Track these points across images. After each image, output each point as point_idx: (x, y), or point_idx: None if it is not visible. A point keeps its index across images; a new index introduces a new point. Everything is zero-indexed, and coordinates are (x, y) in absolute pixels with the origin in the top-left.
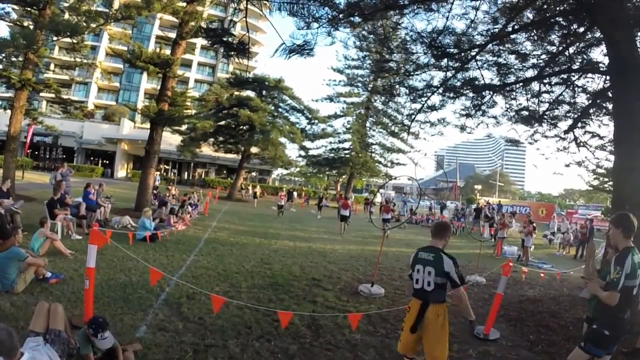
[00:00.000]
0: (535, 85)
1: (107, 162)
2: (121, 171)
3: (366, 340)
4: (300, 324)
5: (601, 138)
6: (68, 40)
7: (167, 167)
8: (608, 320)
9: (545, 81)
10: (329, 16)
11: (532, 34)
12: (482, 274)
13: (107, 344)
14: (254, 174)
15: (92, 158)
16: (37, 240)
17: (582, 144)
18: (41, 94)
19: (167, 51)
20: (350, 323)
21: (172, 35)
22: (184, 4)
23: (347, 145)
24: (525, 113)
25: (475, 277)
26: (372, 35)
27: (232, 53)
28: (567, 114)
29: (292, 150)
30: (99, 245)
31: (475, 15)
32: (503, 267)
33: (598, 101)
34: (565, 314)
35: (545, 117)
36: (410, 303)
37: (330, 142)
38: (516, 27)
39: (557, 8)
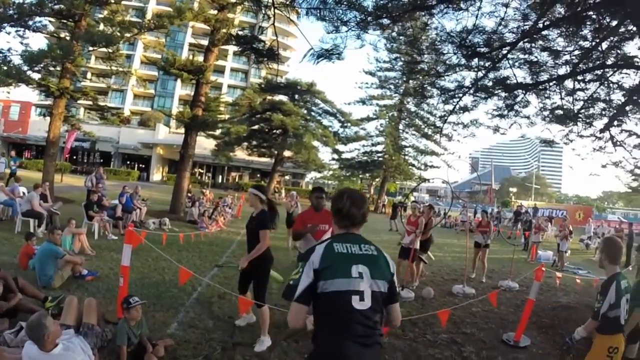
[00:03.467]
0: (569, 83)
1: (143, 166)
2: (156, 175)
3: (394, 344)
4: None
5: (639, 137)
6: (104, 50)
7: (201, 170)
8: None
9: (579, 78)
10: (358, 19)
11: (564, 29)
12: (515, 279)
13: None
14: (287, 177)
15: (128, 162)
16: (66, 238)
17: (618, 143)
18: (79, 102)
19: (200, 58)
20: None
21: (205, 42)
22: (215, 12)
23: (380, 148)
24: (559, 112)
25: (508, 283)
26: (401, 37)
27: (262, 59)
28: (603, 112)
29: (325, 154)
30: (134, 245)
31: (505, 13)
32: (535, 271)
33: (634, 98)
34: None
35: (580, 115)
36: (617, 341)
37: (363, 145)
38: (547, 23)
39: (588, 1)
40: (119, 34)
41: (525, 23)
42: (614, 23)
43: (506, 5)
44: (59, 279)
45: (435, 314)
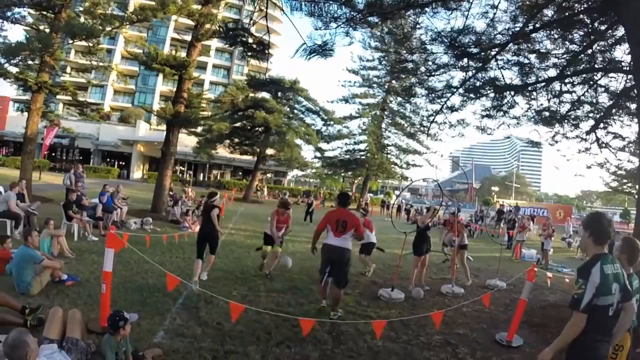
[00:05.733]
0: (556, 85)
1: (123, 163)
2: (137, 172)
3: (388, 347)
4: (321, 330)
5: (623, 139)
6: (84, 43)
7: (182, 168)
8: None
9: (566, 81)
10: (348, 16)
11: (553, 32)
12: (502, 278)
13: (134, 317)
14: (269, 175)
15: (108, 159)
16: (44, 240)
17: (604, 145)
18: (58, 97)
19: (183, 53)
20: (375, 331)
21: (188, 37)
22: (199, 7)
23: (362, 146)
24: (546, 114)
25: (496, 282)
26: (389, 35)
27: (252, 53)
28: (589, 115)
29: (307, 152)
30: (116, 249)
31: (495, 14)
32: (528, 272)
33: (620, 101)
34: None
35: (566, 117)
36: (623, 339)
37: (346, 144)
38: (537, 25)
39: (580, 6)
40: (100, 27)
41: (515, 25)
42: (604, 28)
43: (495, 7)
44: (37, 285)
45: (426, 315)
